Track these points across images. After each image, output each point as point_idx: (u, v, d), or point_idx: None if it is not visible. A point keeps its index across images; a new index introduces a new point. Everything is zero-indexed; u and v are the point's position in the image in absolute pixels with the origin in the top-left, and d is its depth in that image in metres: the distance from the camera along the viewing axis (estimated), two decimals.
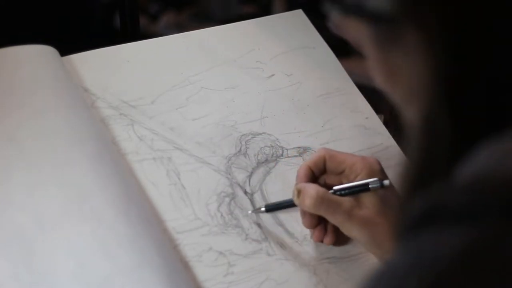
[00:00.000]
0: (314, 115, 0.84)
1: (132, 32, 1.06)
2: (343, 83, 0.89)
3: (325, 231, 0.72)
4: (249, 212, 0.73)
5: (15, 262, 0.59)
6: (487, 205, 0.33)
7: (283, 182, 0.77)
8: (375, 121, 0.86)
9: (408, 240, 0.35)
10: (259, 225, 0.73)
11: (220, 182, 0.74)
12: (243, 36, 0.89)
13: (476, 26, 0.36)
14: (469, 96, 0.37)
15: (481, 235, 0.32)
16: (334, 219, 0.69)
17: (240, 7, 2.36)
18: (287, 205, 0.72)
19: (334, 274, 0.71)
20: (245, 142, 0.79)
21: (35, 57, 0.75)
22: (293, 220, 0.74)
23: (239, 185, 0.75)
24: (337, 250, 0.73)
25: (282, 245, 0.72)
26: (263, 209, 0.73)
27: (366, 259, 0.73)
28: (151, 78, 0.81)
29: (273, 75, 0.87)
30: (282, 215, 0.74)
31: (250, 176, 0.77)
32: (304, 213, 0.72)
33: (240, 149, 0.78)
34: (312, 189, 0.69)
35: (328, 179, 0.73)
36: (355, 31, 0.41)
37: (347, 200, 0.69)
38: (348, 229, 0.69)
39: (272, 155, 0.79)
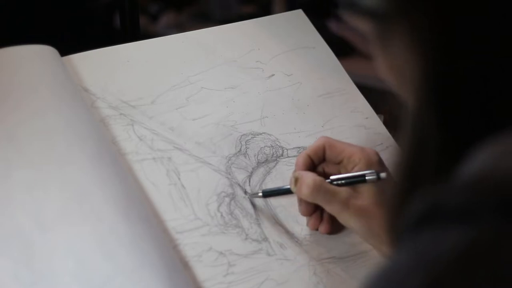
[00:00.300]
0: (314, 115, 0.84)
1: (132, 32, 1.06)
2: (343, 83, 0.89)
3: (321, 219, 0.73)
4: (245, 196, 0.74)
5: (15, 261, 0.59)
6: (486, 205, 0.33)
7: (283, 182, 0.77)
8: (375, 121, 0.86)
9: (407, 241, 0.35)
10: (259, 225, 0.73)
11: (220, 182, 0.74)
12: (243, 36, 0.89)
13: (466, 26, 0.36)
14: (457, 97, 0.37)
15: (480, 235, 0.32)
16: (330, 209, 0.70)
17: (240, 7, 2.36)
18: (284, 192, 0.73)
19: (334, 274, 0.71)
20: (245, 142, 0.79)
21: (35, 57, 0.75)
22: (293, 220, 0.74)
23: (239, 185, 0.75)
24: (337, 250, 0.73)
25: (282, 245, 0.72)
26: (260, 193, 0.74)
27: (366, 259, 0.73)
28: (151, 78, 0.81)
29: (273, 75, 0.87)
30: (282, 215, 0.74)
31: (250, 176, 0.77)
32: (300, 201, 0.72)
33: (240, 149, 0.78)
34: (310, 178, 0.70)
35: (327, 168, 0.74)
36: (361, 26, 0.41)
37: (344, 190, 0.69)
38: (344, 219, 0.69)
39: (272, 155, 0.79)
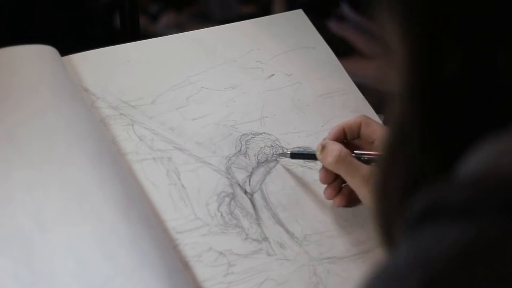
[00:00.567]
0: (314, 115, 0.84)
1: (132, 32, 1.06)
2: (343, 83, 0.89)
3: (338, 191, 0.75)
4: (275, 154, 0.78)
5: (15, 261, 0.59)
6: (487, 202, 0.33)
7: (283, 182, 0.77)
8: None
9: (407, 238, 0.35)
10: (259, 225, 0.73)
11: (220, 182, 0.74)
12: (243, 36, 0.89)
13: (459, 21, 0.36)
14: (458, 95, 0.36)
15: (481, 233, 0.32)
16: (351, 182, 0.71)
17: (240, 7, 2.36)
18: (311, 156, 0.75)
19: (334, 274, 0.71)
20: (245, 142, 0.79)
21: (35, 57, 0.75)
22: (293, 220, 0.74)
23: (239, 185, 0.75)
24: (337, 250, 0.73)
25: (282, 245, 0.72)
26: (288, 152, 0.77)
27: (366, 259, 0.73)
28: (151, 78, 0.81)
29: (273, 75, 0.87)
30: (282, 215, 0.74)
31: (250, 176, 0.77)
32: (322, 168, 0.75)
33: (240, 149, 0.78)
34: (336, 148, 0.72)
35: (360, 145, 0.76)
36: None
37: (367, 167, 0.71)
38: (363, 194, 0.71)
39: (272, 155, 0.79)
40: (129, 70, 0.81)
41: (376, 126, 0.75)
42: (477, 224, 0.32)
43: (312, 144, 0.81)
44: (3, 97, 0.71)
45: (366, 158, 0.72)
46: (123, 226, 0.63)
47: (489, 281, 0.31)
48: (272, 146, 0.80)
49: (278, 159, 0.78)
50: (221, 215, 0.72)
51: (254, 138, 0.80)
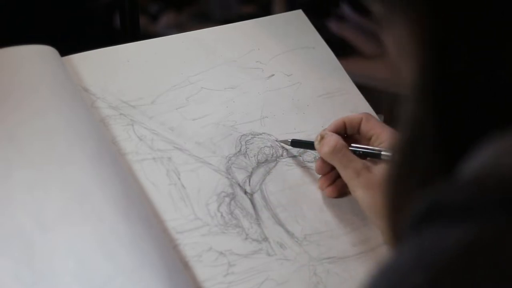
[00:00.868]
0: (314, 115, 0.84)
1: (132, 32, 1.06)
2: (343, 83, 0.89)
3: (331, 182, 0.77)
4: (276, 139, 0.80)
5: (16, 261, 0.59)
6: (489, 202, 0.33)
7: (283, 182, 0.77)
8: None
9: (409, 238, 0.35)
10: (259, 225, 0.73)
11: (220, 182, 0.75)
12: (243, 36, 0.89)
13: (463, 21, 0.36)
14: (458, 94, 0.37)
15: (484, 232, 0.32)
16: (344, 173, 0.73)
17: (240, 7, 2.36)
18: (310, 146, 0.77)
19: (334, 274, 0.71)
20: (245, 142, 0.79)
21: (35, 57, 0.75)
22: (293, 220, 0.74)
23: (239, 185, 0.75)
24: (337, 250, 0.73)
25: (282, 245, 0.72)
26: (289, 140, 0.79)
27: (366, 259, 0.73)
28: (151, 78, 0.81)
29: (273, 75, 0.87)
30: (282, 215, 0.74)
31: (250, 176, 0.77)
32: (319, 158, 0.76)
33: (240, 149, 0.78)
34: (333, 139, 0.74)
35: (359, 141, 0.77)
36: (373, 8, 0.41)
37: (360, 160, 0.73)
38: (354, 186, 0.72)
39: (272, 155, 0.79)
40: (129, 70, 0.81)
41: (376, 123, 0.76)
42: (479, 224, 0.32)
43: None
44: (4, 97, 0.71)
45: (361, 153, 0.74)
46: (123, 226, 0.63)
47: (491, 280, 0.31)
48: (272, 146, 0.80)
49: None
50: (221, 215, 0.72)
51: (254, 138, 0.80)
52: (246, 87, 0.84)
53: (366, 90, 0.89)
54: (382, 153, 0.73)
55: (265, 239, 0.72)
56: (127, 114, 0.77)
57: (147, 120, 0.77)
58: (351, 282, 0.71)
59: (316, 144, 0.76)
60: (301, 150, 0.80)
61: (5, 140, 0.67)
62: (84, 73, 0.79)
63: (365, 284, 0.35)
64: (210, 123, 0.79)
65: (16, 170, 0.65)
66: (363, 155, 0.74)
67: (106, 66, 0.81)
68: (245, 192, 0.75)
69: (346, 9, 1.98)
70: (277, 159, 0.79)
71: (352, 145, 0.75)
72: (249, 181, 0.76)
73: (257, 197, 0.75)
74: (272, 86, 0.86)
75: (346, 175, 0.73)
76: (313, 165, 0.79)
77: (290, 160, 0.79)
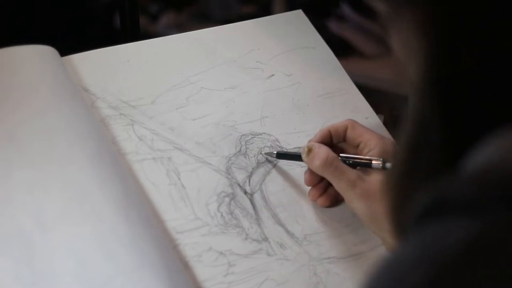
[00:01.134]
0: (314, 115, 0.84)
1: (132, 32, 1.06)
2: (343, 83, 0.89)
3: (323, 192, 0.75)
4: (261, 153, 0.78)
5: (16, 261, 0.59)
6: (494, 198, 0.33)
7: (283, 182, 0.77)
8: (375, 121, 0.86)
9: (412, 233, 0.35)
10: (259, 225, 0.73)
11: (220, 182, 0.75)
12: (243, 36, 0.89)
13: (468, 19, 0.36)
14: (462, 90, 0.37)
15: (488, 228, 0.32)
16: (337, 185, 0.71)
17: (240, 7, 2.36)
18: (296, 158, 0.75)
19: (334, 274, 0.71)
20: (245, 142, 0.79)
21: (35, 57, 0.75)
22: (293, 220, 0.74)
23: (239, 185, 0.75)
24: (337, 250, 0.73)
25: (282, 245, 0.72)
26: (274, 152, 0.77)
27: (366, 259, 0.73)
28: (151, 78, 0.81)
29: (273, 75, 0.87)
30: (282, 215, 0.74)
31: (250, 176, 0.77)
32: (308, 170, 0.74)
33: (240, 149, 0.78)
34: (324, 152, 0.72)
35: (345, 148, 0.76)
36: (376, 5, 0.41)
37: (354, 171, 0.71)
38: (349, 198, 0.70)
39: (259, 153, 0.79)
40: (129, 70, 0.81)
41: (363, 130, 0.74)
42: (482, 221, 0.32)
43: None
44: (4, 97, 0.71)
45: (351, 162, 0.72)
46: (123, 226, 0.63)
47: (492, 280, 0.31)
48: (272, 146, 0.80)
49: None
50: (221, 215, 0.72)
51: (254, 138, 0.80)
52: (246, 87, 0.84)
53: (366, 90, 0.89)
54: (372, 162, 0.71)
55: (265, 239, 0.72)
56: (127, 114, 0.77)
57: (147, 120, 0.77)
58: (351, 282, 0.71)
59: (304, 157, 0.73)
60: (301, 149, 0.80)
61: (5, 140, 0.67)
62: (84, 73, 0.79)
63: (367, 279, 0.35)
64: (210, 123, 0.79)
65: (16, 170, 0.65)
66: (352, 165, 0.72)
67: (106, 66, 0.81)
68: (245, 192, 0.75)
69: (346, 9, 1.98)
70: (277, 159, 0.79)
71: (341, 155, 0.73)
72: (249, 181, 0.76)
73: (257, 197, 0.75)
74: (272, 86, 0.86)
75: (341, 187, 0.71)
76: None
77: (290, 160, 0.79)
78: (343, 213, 0.76)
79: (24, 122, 0.69)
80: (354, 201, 0.70)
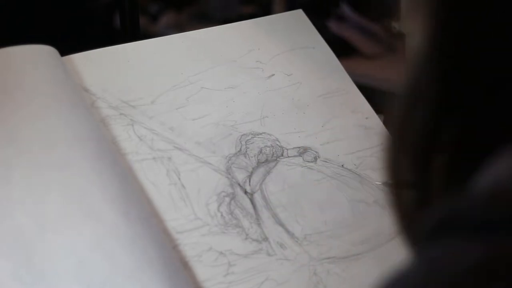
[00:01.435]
0: (314, 115, 0.84)
1: (132, 32, 1.06)
2: (343, 83, 0.89)
3: None
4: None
5: (16, 262, 0.59)
6: (505, 218, 0.32)
7: (283, 182, 0.77)
8: (375, 121, 0.86)
9: (421, 250, 0.34)
10: (259, 225, 0.73)
11: (220, 182, 0.74)
12: (243, 36, 0.89)
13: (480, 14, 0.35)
14: (472, 105, 0.36)
15: (498, 249, 0.31)
16: None
17: (240, 7, 2.36)
18: None
19: (334, 274, 0.71)
20: (245, 142, 0.79)
21: (35, 57, 0.75)
22: (293, 220, 0.74)
23: (239, 185, 0.75)
24: (337, 250, 0.73)
25: (282, 245, 0.72)
26: None
27: (366, 259, 0.73)
28: (151, 78, 0.81)
29: (273, 75, 0.87)
30: (282, 215, 0.74)
31: (250, 176, 0.77)
32: None
33: (240, 149, 0.78)
34: None
35: None
36: None
37: None
38: None
39: (272, 155, 0.79)
40: (129, 70, 0.81)
41: None
42: (494, 241, 0.31)
43: (311, 144, 0.81)
44: (3, 97, 0.71)
45: None
46: (123, 226, 0.63)
47: None
48: (272, 146, 0.80)
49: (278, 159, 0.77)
50: (221, 215, 0.72)
51: (254, 138, 0.80)
52: (246, 87, 0.84)
53: (366, 90, 0.89)
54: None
55: (265, 239, 0.72)
56: (127, 114, 0.77)
57: (147, 120, 0.77)
58: (351, 282, 0.71)
59: None
60: (301, 149, 0.80)
61: (5, 140, 0.67)
62: (84, 73, 0.79)
63: None
64: (210, 123, 0.79)
65: (16, 170, 0.65)
66: None
67: (106, 66, 0.81)
68: (245, 192, 0.75)
69: (346, 9, 1.98)
70: (277, 159, 0.79)
71: None
72: (249, 181, 0.76)
73: (257, 197, 0.75)
74: (272, 86, 0.86)
75: None
76: (313, 165, 0.79)
77: (290, 160, 0.79)
78: (343, 213, 0.76)
79: (24, 122, 0.69)
80: None
